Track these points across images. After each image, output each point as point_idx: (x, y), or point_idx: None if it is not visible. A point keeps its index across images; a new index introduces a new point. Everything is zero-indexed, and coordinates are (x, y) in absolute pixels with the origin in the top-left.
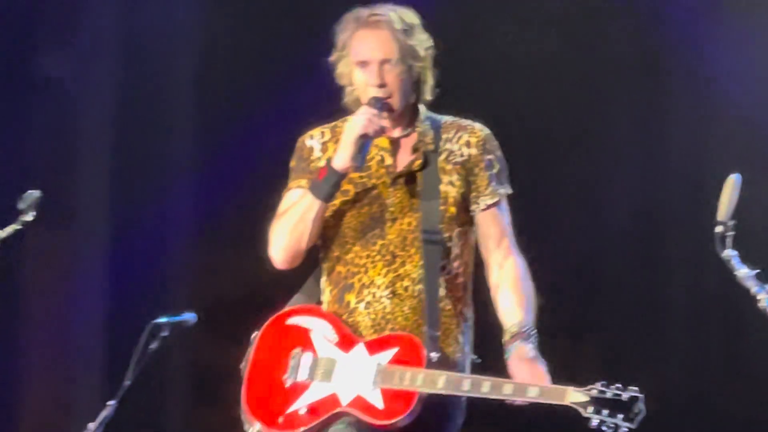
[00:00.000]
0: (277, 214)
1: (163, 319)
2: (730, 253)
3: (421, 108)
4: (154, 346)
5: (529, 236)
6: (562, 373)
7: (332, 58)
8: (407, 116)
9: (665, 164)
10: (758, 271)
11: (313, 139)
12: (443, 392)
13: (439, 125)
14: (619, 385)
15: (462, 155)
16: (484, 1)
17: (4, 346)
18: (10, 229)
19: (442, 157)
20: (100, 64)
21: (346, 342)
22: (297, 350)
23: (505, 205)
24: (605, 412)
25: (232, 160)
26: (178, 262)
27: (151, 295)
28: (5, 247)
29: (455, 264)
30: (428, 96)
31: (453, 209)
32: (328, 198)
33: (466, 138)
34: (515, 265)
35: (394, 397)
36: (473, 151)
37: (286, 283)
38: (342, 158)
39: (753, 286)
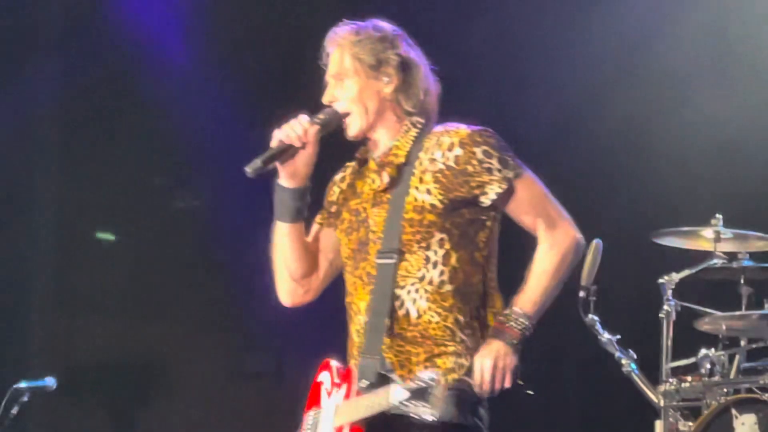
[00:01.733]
0: None
1: (23, 384)
2: (593, 319)
3: (408, 120)
4: (14, 411)
5: None
6: None
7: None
8: (390, 134)
9: None
10: (619, 336)
11: (338, 176)
12: (366, 416)
13: (424, 135)
14: (426, 374)
15: (447, 159)
16: None
17: None
18: None
19: (421, 167)
20: None
21: (333, 388)
22: (314, 408)
23: (521, 186)
24: (416, 402)
25: (91, 225)
26: (37, 327)
27: (10, 360)
28: None
29: (436, 272)
30: (408, 107)
31: (431, 216)
32: (282, 216)
33: (448, 141)
34: (539, 250)
35: None
36: (458, 152)
37: (151, 350)
38: (280, 171)
39: (616, 352)
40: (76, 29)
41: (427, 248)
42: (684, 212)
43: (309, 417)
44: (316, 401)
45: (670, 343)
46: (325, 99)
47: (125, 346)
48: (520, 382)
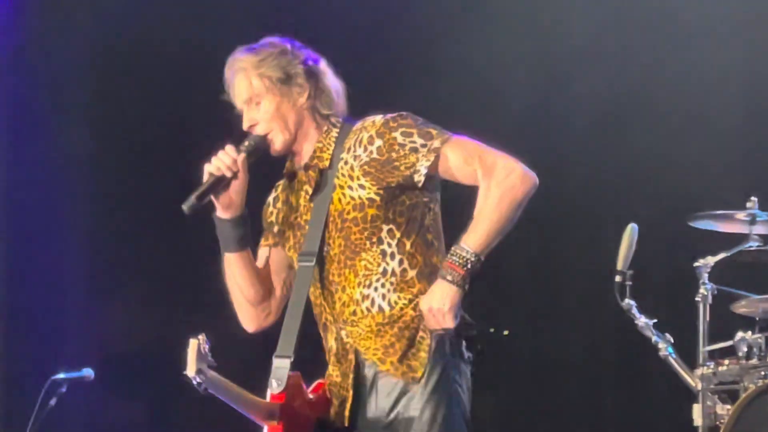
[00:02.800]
0: None
1: (61, 375)
2: (629, 303)
3: (326, 123)
4: (52, 402)
5: None
6: None
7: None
8: (312, 141)
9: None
10: (656, 320)
11: (269, 197)
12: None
13: (345, 134)
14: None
15: (371, 153)
16: None
17: None
18: None
19: (347, 166)
20: None
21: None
22: None
23: (450, 149)
24: None
25: (124, 215)
26: (75, 317)
27: (48, 352)
28: None
29: (395, 262)
30: (324, 111)
31: (373, 210)
32: (228, 247)
33: (366, 135)
34: (480, 193)
35: None
36: (379, 142)
37: (184, 337)
38: (216, 204)
39: (653, 336)
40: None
41: (380, 242)
42: (719, 196)
43: None
44: None
45: (706, 326)
46: (245, 125)
47: (163, 336)
48: (492, 329)
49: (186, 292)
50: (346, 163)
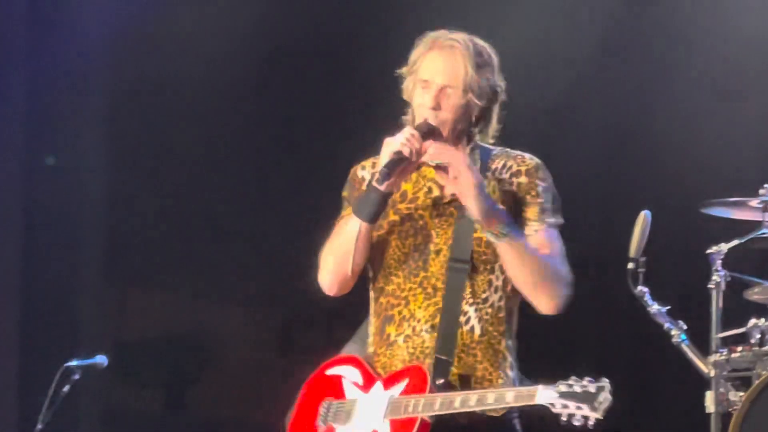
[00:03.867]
0: (328, 241)
1: (74, 362)
2: (642, 290)
3: (479, 138)
4: (66, 389)
5: None
6: None
7: (402, 70)
8: (458, 147)
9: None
10: (669, 307)
11: (364, 170)
12: (441, 413)
13: (488, 156)
14: (589, 378)
15: (511, 184)
16: None
17: None
18: None
19: (489, 187)
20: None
21: (368, 382)
22: (329, 399)
23: (554, 233)
24: (572, 405)
25: (143, 202)
26: (88, 305)
27: (62, 338)
28: None
29: (497, 296)
30: (489, 138)
31: None
32: (369, 218)
33: (516, 167)
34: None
35: (400, 426)
36: (523, 179)
37: (201, 326)
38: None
39: (665, 323)
40: None
41: (492, 271)
42: (732, 182)
43: (330, 407)
44: (330, 393)
45: (719, 313)
46: (431, 103)
47: (176, 322)
48: None
49: (201, 280)
50: (489, 183)
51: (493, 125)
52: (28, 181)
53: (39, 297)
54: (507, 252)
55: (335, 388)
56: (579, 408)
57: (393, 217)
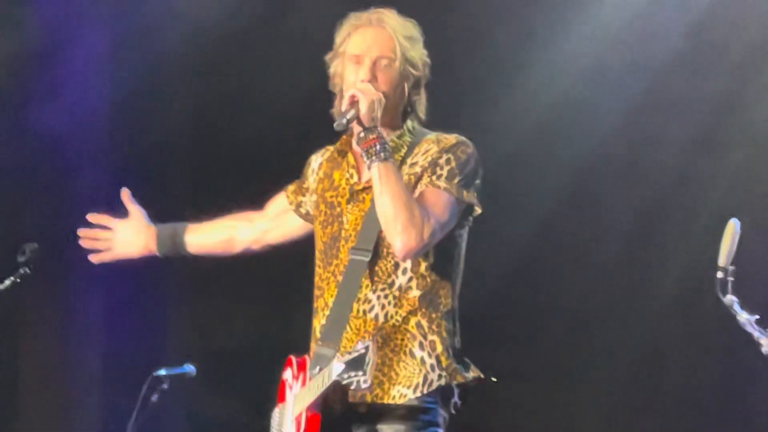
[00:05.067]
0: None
1: (162, 371)
2: (731, 299)
3: (410, 124)
4: (154, 398)
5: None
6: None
7: (328, 56)
8: (392, 128)
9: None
10: (758, 317)
11: (317, 156)
12: (316, 396)
13: (419, 141)
14: (361, 345)
15: (421, 165)
16: None
17: (3, 401)
18: (8, 282)
19: (404, 171)
20: (96, 120)
21: (294, 381)
22: (279, 406)
23: (442, 197)
24: (353, 374)
25: (225, 210)
26: (176, 314)
27: (150, 347)
28: (3, 299)
29: (405, 278)
30: (422, 114)
31: None
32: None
33: (435, 148)
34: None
35: (297, 424)
36: (434, 153)
37: (286, 334)
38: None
39: (755, 332)
40: None
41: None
42: None
43: (275, 415)
44: (281, 398)
45: None
46: (365, 76)
47: (264, 332)
48: (494, 379)
49: (289, 289)
50: (409, 165)
51: (423, 101)
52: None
53: (127, 305)
54: (375, 176)
55: (283, 394)
56: (357, 375)
57: (321, 207)
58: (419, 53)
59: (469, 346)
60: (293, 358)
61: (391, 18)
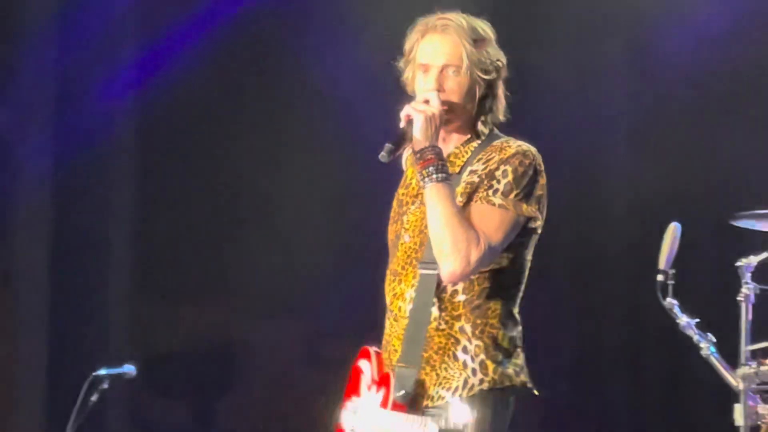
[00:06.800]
0: None
1: (103, 371)
2: (671, 302)
3: (482, 128)
4: (94, 398)
5: None
6: None
7: (400, 63)
8: (462, 134)
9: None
10: (698, 320)
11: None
12: None
13: (486, 146)
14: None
15: (479, 175)
16: None
17: None
18: None
19: (462, 178)
20: (38, 123)
21: (373, 385)
22: (352, 398)
23: (494, 213)
24: None
25: (169, 214)
26: (117, 314)
27: (90, 348)
28: None
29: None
30: (500, 115)
31: None
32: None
33: (496, 157)
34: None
35: None
36: (493, 165)
37: (230, 338)
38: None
39: (694, 335)
40: None
41: None
42: (762, 195)
43: (350, 406)
44: (355, 389)
45: (749, 326)
46: (432, 86)
47: (205, 333)
48: (536, 393)
49: (231, 292)
50: (469, 173)
51: (501, 102)
52: (57, 194)
53: (67, 305)
54: (426, 198)
55: (357, 385)
56: None
57: (393, 203)
58: (489, 55)
59: None
60: (372, 352)
61: (456, 22)
